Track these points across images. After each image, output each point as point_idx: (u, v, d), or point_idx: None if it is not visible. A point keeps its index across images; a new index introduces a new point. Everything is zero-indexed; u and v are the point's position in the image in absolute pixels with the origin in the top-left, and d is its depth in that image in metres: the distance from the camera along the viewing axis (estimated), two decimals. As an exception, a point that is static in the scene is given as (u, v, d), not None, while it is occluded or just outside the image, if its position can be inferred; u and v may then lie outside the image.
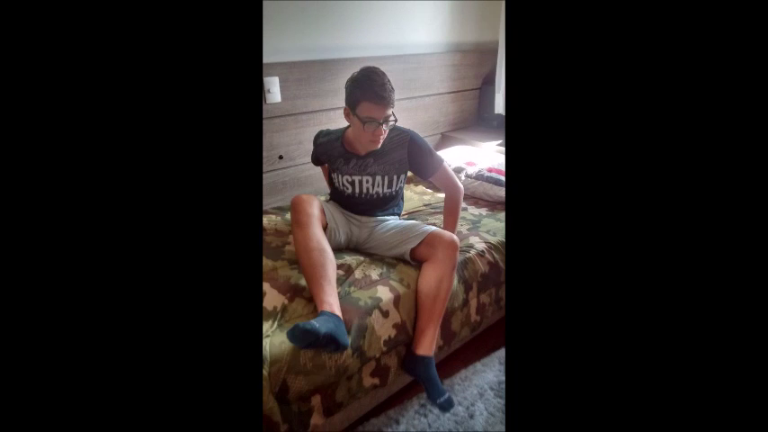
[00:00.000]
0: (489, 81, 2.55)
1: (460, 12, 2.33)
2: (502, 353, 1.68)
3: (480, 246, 1.60)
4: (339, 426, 1.35)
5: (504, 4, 2.26)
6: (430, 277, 1.33)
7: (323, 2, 1.79)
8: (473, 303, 1.57)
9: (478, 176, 1.93)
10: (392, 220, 1.58)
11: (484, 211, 1.84)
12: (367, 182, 1.50)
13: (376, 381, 1.31)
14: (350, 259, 1.44)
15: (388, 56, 2.07)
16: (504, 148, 2.13)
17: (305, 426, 1.14)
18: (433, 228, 1.43)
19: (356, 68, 1.82)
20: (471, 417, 1.40)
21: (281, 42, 1.74)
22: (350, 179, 1.51)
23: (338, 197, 1.60)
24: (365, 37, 2.00)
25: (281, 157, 1.87)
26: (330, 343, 1.06)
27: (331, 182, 1.60)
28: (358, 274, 1.37)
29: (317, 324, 1.03)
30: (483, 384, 1.53)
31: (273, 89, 1.75)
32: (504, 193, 1.85)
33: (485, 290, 1.60)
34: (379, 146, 1.40)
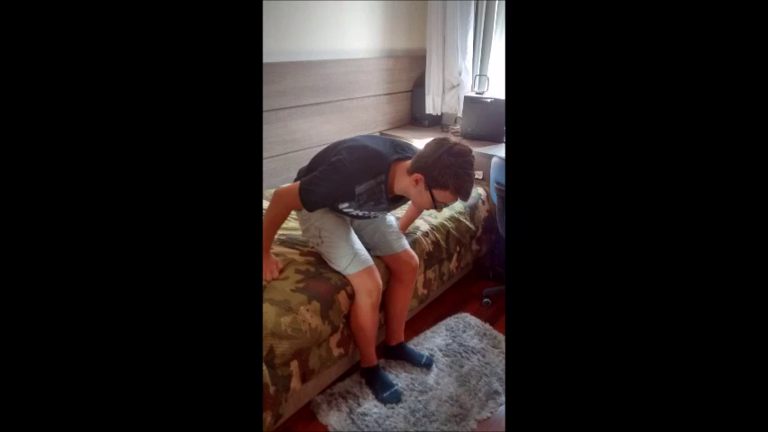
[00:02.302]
0: (420, 84, 2.79)
1: (392, 21, 2.55)
2: (448, 321, 1.91)
3: (425, 227, 1.81)
4: (312, 391, 1.49)
5: (429, 15, 2.52)
6: (402, 299, 1.60)
7: (270, 8, 1.92)
8: (420, 279, 1.78)
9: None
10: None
11: (425, 199, 2.07)
12: (380, 213, 1.48)
13: (341, 350, 1.47)
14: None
15: (329, 60, 2.23)
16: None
17: (287, 388, 1.28)
18: (407, 245, 1.60)
19: (303, 72, 1.88)
20: (424, 375, 1.62)
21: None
22: (366, 213, 1.42)
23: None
24: (309, 42, 2.14)
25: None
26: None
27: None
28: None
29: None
30: (433, 347, 1.75)
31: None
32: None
33: (430, 266, 1.82)
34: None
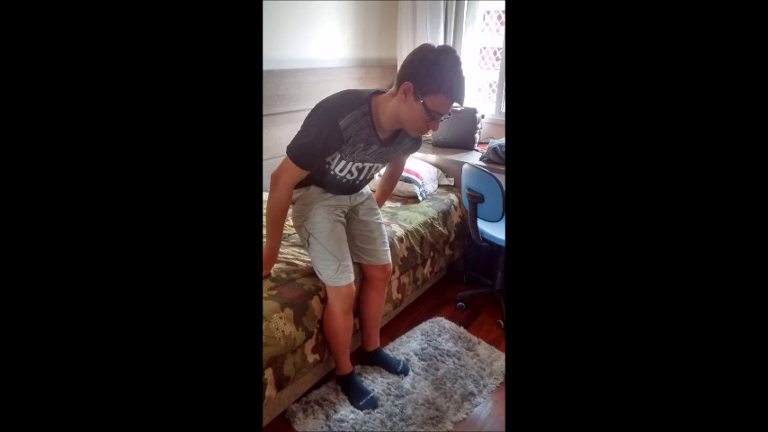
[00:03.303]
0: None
1: (363, 30, 2.59)
2: (423, 325, 1.92)
3: (400, 232, 1.83)
4: (287, 400, 1.47)
5: (399, 24, 2.57)
6: (376, 303, 1.59)
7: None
8: (394, 284, 1.79)
9: (391, 175, 2.18)
10: (369, 196, 1.57)
11: (398, 205, 2.09)
12: (374, 169, 1.36)
13: (317, 356, 1.46)
14: (293, 251, 1.58)
15: (300, 69, 2.24)
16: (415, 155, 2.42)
17: (262, 397, 1.26)
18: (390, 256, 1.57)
19: (274, 81, 1.86)
20: (400, 380, 1.62)
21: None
22: (361, 166, 1.30)
23: (324, 184, 1.38)
24: (279, 51, 2.15)
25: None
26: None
27: (316, 174, 1.34)
28: (302, 264, 1.51)
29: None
30: (408, 351, 1.75)
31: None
32: (411, 188, 2.12)
33: (405, 271, 1.83)
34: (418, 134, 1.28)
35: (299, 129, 1.24)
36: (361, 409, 1.48)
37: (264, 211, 1.29)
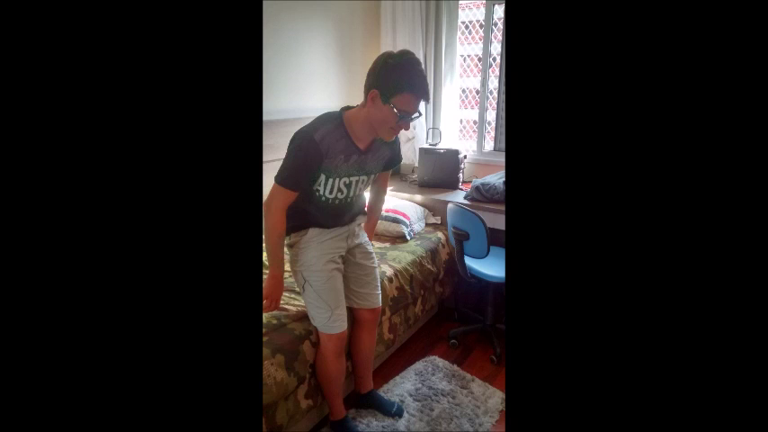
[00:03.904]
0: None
1: (348, 80, 2.72)
2: (417, 365, 1.92)
3: (389, 272, 1.86)
4: (280, 449, 1.45)
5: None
6: (368, 344, 1.61)
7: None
8: (386, 324, 1.81)
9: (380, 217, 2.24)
10: (365, 239, 1.57)
11: (387, 245, 2.13)
12: (362, 182, 1.37)
13: (310, 402, 1.46)
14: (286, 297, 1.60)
15: (288, 119, 2.34)
16: (396, 193, 2.49)
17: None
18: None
19: (276, 128, 1.92)
20: (394, 422, 1.61)
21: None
22: (347, 181, 1.32)
23: (319, 218, 1.38)
24: (267, 103, 2.25)
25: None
26: None
27: (302, 204, 1.35)
28: (292, 309, 1.54)
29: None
30: (403, 393, 1.75)
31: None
32: (399, 228, 2.17)
33: (396, 311, 1.85)
34: (393, 137, 1.32)
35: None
36: (398, 415, 1.50)
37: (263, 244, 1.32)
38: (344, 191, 1.33)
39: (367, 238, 1.59)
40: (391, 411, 1.63)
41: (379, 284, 1.59)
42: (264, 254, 1.42)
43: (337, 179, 1.30)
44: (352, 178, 1.33)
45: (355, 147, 1.29)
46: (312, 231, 1.40)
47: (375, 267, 1.58)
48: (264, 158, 2.21)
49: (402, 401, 1.70)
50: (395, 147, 1.46)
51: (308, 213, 1.38)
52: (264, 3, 2.07)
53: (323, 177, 1.29)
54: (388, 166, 1.49)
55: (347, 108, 1.33)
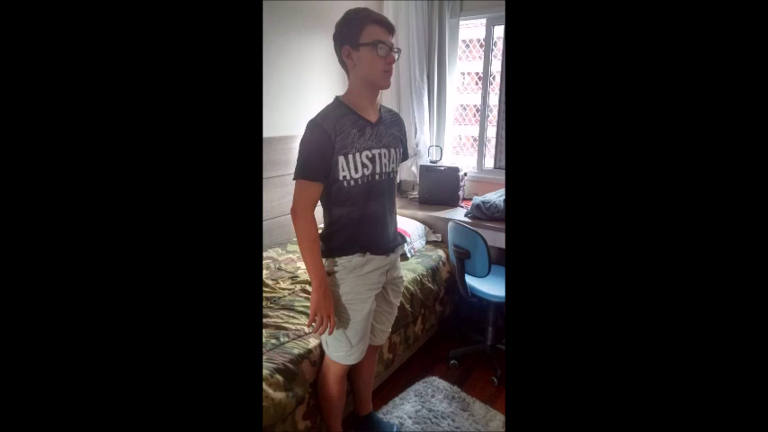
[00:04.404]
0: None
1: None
2: (416, 386, 1.89)
3: (388, 291, 1.84)
4: (277, 472, 1.42)
5: (383, 93, 2.72)
6: (369, 369, 1.60)
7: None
8: (386, 344, 1.78)
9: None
10: (400, 273, 1.51)
11: (387, 263, 2.12)
12: (384, 156, 1.29)
13: (308, 423, 1.43)
14: (281, 314, 1.58)
15: (290, 135, 2.35)
16: (398, 211, 2.49)
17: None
18: None
19: (266, 147, 1.94)
20: (396, 444, 1.58)
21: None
22: (369, 154, 1.25)
23: (358, 230, 1.29)
24: (271, 120, 2.26)
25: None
26: None
27: (332, 197, 1.27)
28: (291, 327, 1.51)
29: None
30: (402, 415, 1.71)
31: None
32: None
33: (395, 331, 1.83)
34: (390, 82, 1.26)
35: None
36: None
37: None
38: (369, 166, 1.25)
39: (401, 272, 1.51)
40: None
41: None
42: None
43: (357, 153, 1.22)
44: (373, 151, 1.25)
45: (364, 120, 1.25)
46: (354, 261, 1.29)
47: (397, 306, 1.52)
48: (267, 174, 2.22)
49: (401, 424, 1.66)
50: (402, 128, 1.41)
51: (345, 229, 1.28)
52: (268, 19, 2.10)
53: (342, 160, 1.21)
54: (399, 140, 1.39)
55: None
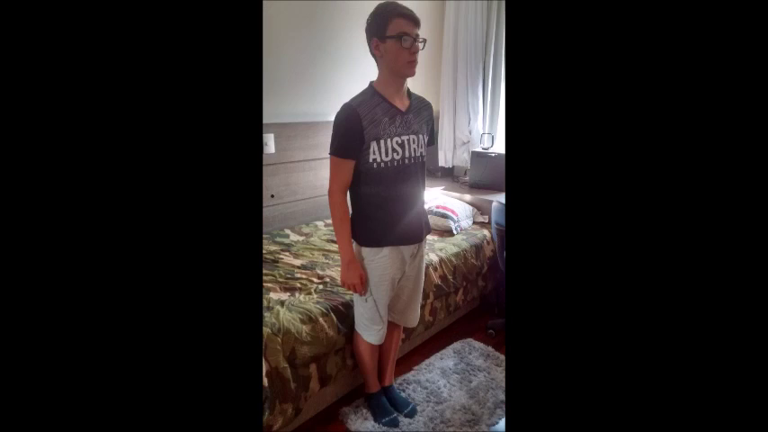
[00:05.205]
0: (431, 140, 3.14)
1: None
2: (454, 345, 2.10)
3: (435, 260, 2.04)
4: (329, 398, 1.69)
5: (442, 82, 2.91)
6: (395, 343, 1.72)
7: (306, 79, 2.33)
8: (428, 307, 1.99)
9: (429, 212, 2.43)
10: (423, 252, 1.60)
11: (435, 238, 2.32)
12: (413, 141, 1.41)
13: (353, 362, 1.68)
14: (337, 270, 1.85)
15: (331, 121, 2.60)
16: (446, 192, 2.67)
17: (306, 388, 1.48)
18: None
19: (329, 129, 2.17)
20: (438, 389, 1.81)
21: (276, 108, 2.24)
22: (399, 140, 1.37)
23: (387, 216, 1.42)
24: (334, 105, 2.52)
25: (272, 196, 2.30)
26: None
27: (363, 177, 1.38)
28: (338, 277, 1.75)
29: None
30: (443, 365, 1.94)
31: (269, 143, 2.23)
32: (447, 223, 2.35)
33: (438, 297, 2.03)
34: (415, 70, 1.35)
35: None
36: (408, 416, 1.65)
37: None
38: (399, 151, 1.37)
39: (424, 250, 1.61)
40: (404, 410, 1.69)
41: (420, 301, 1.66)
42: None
43: (389, 140, 1.35)
44: (403, 137, 1.37)
45: (396, 108, 1.36)
46: (390, 252, 1.44)
47: (422, 281, 1.63)
48: (312, 156, 2.46)
49: (443, 374, 1.88)
50: (431, 114, 1.51)
51: (374, 216, 1.42)
52: (315, 3, 2.30)
53: (374, 145, 1.33)
54: (427, 126, 1.51)
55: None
